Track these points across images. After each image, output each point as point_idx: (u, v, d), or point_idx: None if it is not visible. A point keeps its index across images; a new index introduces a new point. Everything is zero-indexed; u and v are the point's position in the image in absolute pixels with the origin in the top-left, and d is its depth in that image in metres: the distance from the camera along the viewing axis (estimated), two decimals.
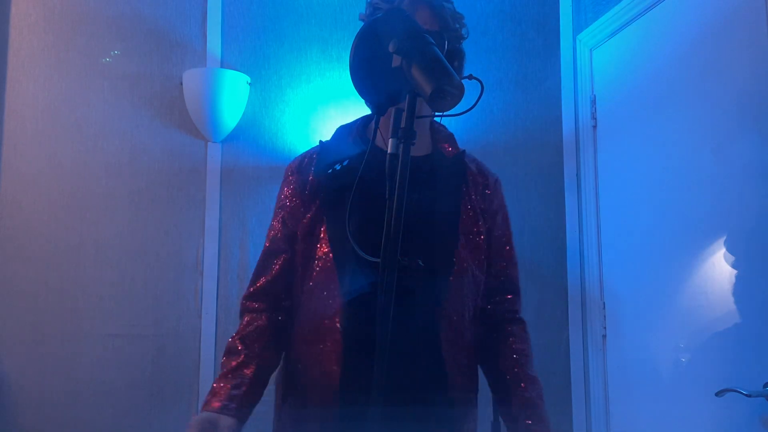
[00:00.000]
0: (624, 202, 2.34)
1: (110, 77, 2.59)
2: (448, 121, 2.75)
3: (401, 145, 0.98)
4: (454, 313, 1.35)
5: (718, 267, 1.84)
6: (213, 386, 1.32)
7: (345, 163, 1.38)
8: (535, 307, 2.55)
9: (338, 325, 1.30)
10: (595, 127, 2.54)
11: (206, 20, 2.62)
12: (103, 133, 2.56)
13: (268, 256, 1.44)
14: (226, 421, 1.25)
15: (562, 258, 2.59)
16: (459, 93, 0.95)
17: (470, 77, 1.00)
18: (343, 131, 1.49)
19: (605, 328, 2.42)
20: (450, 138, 1.49)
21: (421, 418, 1.29)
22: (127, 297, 2.49)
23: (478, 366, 1.46)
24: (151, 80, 2.59)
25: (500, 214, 1.50)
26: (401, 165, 0.97)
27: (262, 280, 1.43)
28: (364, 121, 1.49)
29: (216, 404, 1.27)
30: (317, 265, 1.35)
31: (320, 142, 1.49)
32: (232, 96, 2.50)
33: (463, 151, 1.48)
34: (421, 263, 0.99)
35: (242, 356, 1.35)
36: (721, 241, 1.84)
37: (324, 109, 2.59)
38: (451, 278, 1.34)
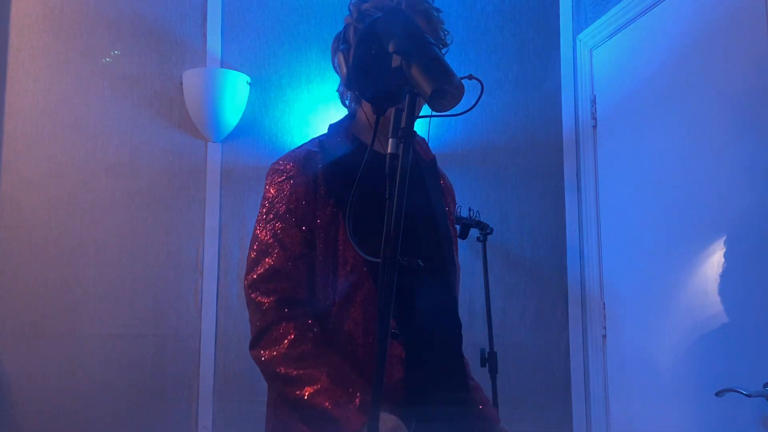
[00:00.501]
0: (624, 202, 2.34)
1: (110, 77, 2.59)
2: (448, 121, 2.75)
3: (401, 145, 0.98)
4: (457, 309, 1.44)
5: (718, 267, 1.84)
6: (335, 414, 1.17)
7: (348, 162, 1.34)
8: (535, 307, 2.56)
9: (395, 330, 1.22)
10: (595, 127, 2.54)
11: (206, 20, 2.62)
12: (103, 133, 2.56)
13: (290, 260, 1.30)
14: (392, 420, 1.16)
15: (562, 258, 2.59)
16: (459, 93, 0.96)
17: (470, 77, 1.00)
18: (335, 129, 1.45)
19: (605, 328, 2.42)
20: (424, 141, 1.53)
21: (450, 418, 1.32)
22: (127, 297, 2.49)
23: None
24: (151, 80, 2.59)
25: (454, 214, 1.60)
26: (402, 165, 0.97)
27: (290, 286, 1.29)
28: (350, 119, 1.47)
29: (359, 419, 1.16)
30: (348, 267, 1.28)
31: (317, 139, 1.43)
32: (232, 96, 2.50)
33: (434, 156, 1.56)
34: (420, 263, 0.99)
35: (321, 372, 1.22)
36: (721, 241, 1.84)
37: (324, 109, 2.59)
38: (454, 276, 1.43)
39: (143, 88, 2.59)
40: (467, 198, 2.52)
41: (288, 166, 1.36)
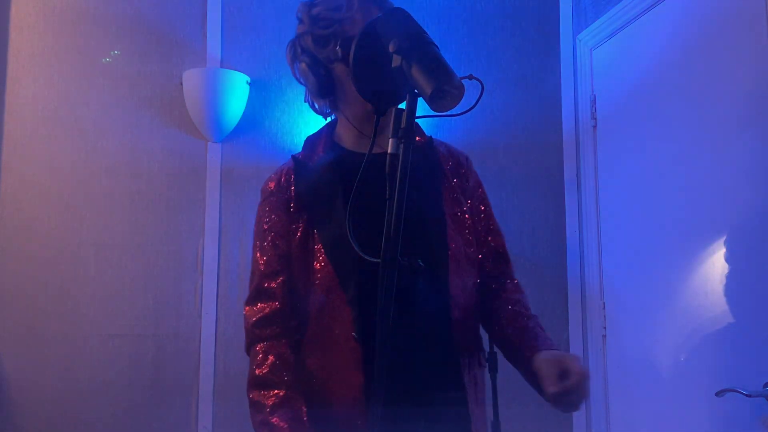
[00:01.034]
0: (624, 202, 2.34)
1: (110, 77, 2.58)
2: (448, 121, 2.75)
3: (401, 145, 0.98)
4: (459, 296, 1.36)
5: (718, 267, 1.84)
6: (272, 423, 1.28)
7: (324, 172, 1.39)
8: (535, 307, 2.54)
9: (354, 333, 1.28)
10: (595, 127, 2.54)
11: (206, 20, 2.62)
12: (103, 133, 2.56)
13: (264, 279, 1.39)
14: None
15: (562, 258, 2.59)
16: (459, 93, 0.95)
17: (470, 77, 1.00)
18: (311, 141, 1.48)
19: (605, 328, 2.42)
20: (417, 126, 1.44)
21: (434, 415, 1.30)
22: (127, 297, 2.48)
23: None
24: (151, 80, 2.59)
25: (479, 189, 1.51)
26: (402, 165, 0.97)
27: (269, 305, 1.37)
28: (330, 128, 1.49)
29: None
30: (317, 278, 1.34)
31: (291, 156, 1.46)
32: (232, 96, 2.50)
33: (430, 137, 1.49)
34: (420, 263, 0.99)
35: (280, 389, 1.31)
36: (721, 241, 1.84)
37: None
38: (448, 266, 1.34)
39: (143, 88, 2.59)
40: None
41: (269, 186, 1.44)
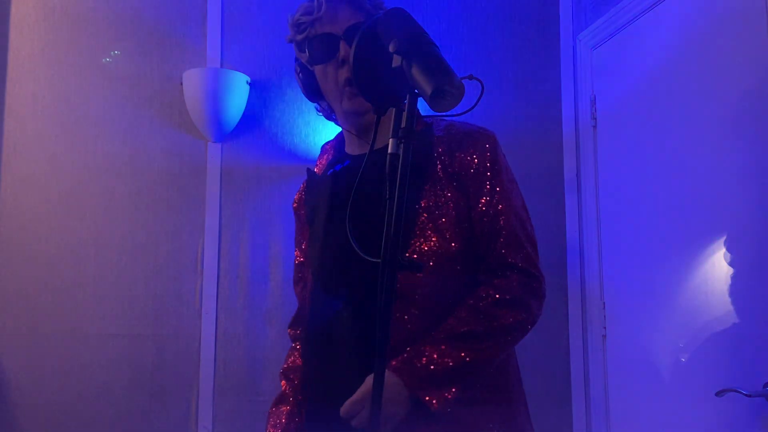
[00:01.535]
0: (624, 202, 2.34)
1: (110, 77, 2.59)
2: None
3: (401, 145, 0.98)
4: (421, 301, 1.25)
5: (718, 267, 1.84)
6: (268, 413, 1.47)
7: (320, 181, 1.45)
8: None
9: (302, 342, 1.46)
10: (595, 126, 2.54)
11: (206, 20, 2.62)
12: (103, 133, 2.56)
13: (294, 285, 1.54)
14: None
15: (562, 258, 2.59)
16: (459, 93, 0.95)
17: (470, 77, 1.00)
18: (323, 150, 1.55)
19: (605, 327, 2.42)
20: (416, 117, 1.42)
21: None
22: (127, 297, 2.49)
23: None
24: (151, 80, 2.59)
25: (485, 172, 1.34)
26: (402, 165, 0.97)
27: (297, 309, 1.52)
28: (341, 136, 1.52)
29: None
30: (306, 283, 1.46)
31: (307, 169, 1.52)
32: (232, 96, 2.50)
33: (432, 121, 1.39)
34: (421, 263, 0.99)
35: (283, 389, 1.47)
36: (721, 241, 1.84)
37: None
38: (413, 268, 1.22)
39: (143, 88, 2.59)
40: None
41: (294, 203, 1.55)
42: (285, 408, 1.42)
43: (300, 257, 1.51)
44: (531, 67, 2.69)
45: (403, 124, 0.98)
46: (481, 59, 2.69)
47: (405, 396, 1.18)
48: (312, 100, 1.48)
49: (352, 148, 1.45)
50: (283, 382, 1.47)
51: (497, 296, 1.25)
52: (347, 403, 1.18)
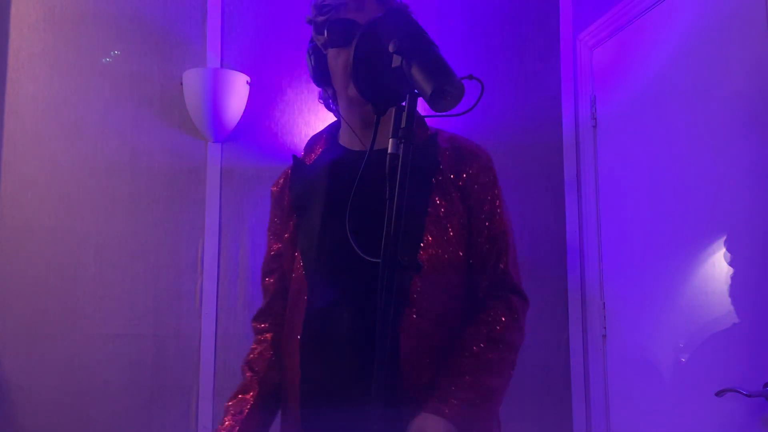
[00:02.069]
0: (624, 202, 2.34)
1: (110, 77, 2.59)
2: (449, 121, 2.75)
3: (401, 145, 0.98)
4: (418, 311, 1.28)
5: (718, 267, 1.84)
6: (225, 407, 1.39)
7: (315, 172, 1.42)
8: (534, 307, 2.54)
9: (298, 337, 1.35)
10: (595, 127, 2.54)
11: (206, 20, 2.62)
12: (103, 133, 2.56)
13: (263, 276, 1.49)
14: None
15: (562, 258, 2.59)
16: (459, 93, 0.95)
17: (470, 77, 1.00)
18: (312, 140, 1.52)
19: (605, 327, 2.42)
20: (419, 121, 1.40)
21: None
22: (127, 297, 2.49)
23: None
24: (151, 80, 2.59)
25: (490, 191, 1.40)
26: (401, 165, 0.97)
27: (264, 301, 1.49)
28: (333, 128, 1.51)
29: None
30: (294, 278, 1.40)
31: (293, 156, 1.50)
32: (232, 96, 2.50)
33: (436, 132, 1.43)
34: (421, 263, 0.99)
35: (246, 380, 1.41)
36: (721, 241, 1.84)
37: (324, 109, 2.59)
38: (415, 276, 1.27)
39: (143, 88, 2.59)
40: None
41: (272, 188, 1.51)
42: (249, 396, 1.37)
43: (276, 247, 1.44)
44: (531, 67, 2.69)
45: (403, 124, 0.98)
46: (481, 59, 2.69)
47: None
48: (318, 85, 1.46)
49: (346, 141, 1.44)
50: (249, 373, 1.40)
51: (503, 318, 1.35)
52: None
